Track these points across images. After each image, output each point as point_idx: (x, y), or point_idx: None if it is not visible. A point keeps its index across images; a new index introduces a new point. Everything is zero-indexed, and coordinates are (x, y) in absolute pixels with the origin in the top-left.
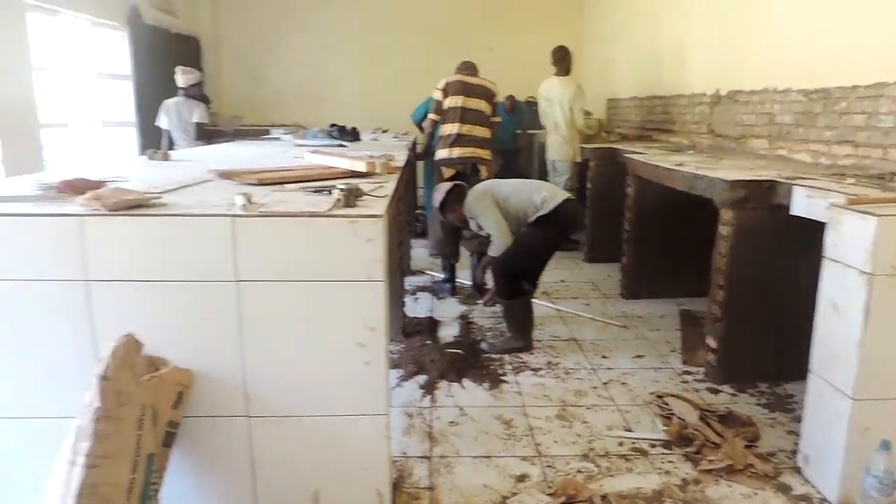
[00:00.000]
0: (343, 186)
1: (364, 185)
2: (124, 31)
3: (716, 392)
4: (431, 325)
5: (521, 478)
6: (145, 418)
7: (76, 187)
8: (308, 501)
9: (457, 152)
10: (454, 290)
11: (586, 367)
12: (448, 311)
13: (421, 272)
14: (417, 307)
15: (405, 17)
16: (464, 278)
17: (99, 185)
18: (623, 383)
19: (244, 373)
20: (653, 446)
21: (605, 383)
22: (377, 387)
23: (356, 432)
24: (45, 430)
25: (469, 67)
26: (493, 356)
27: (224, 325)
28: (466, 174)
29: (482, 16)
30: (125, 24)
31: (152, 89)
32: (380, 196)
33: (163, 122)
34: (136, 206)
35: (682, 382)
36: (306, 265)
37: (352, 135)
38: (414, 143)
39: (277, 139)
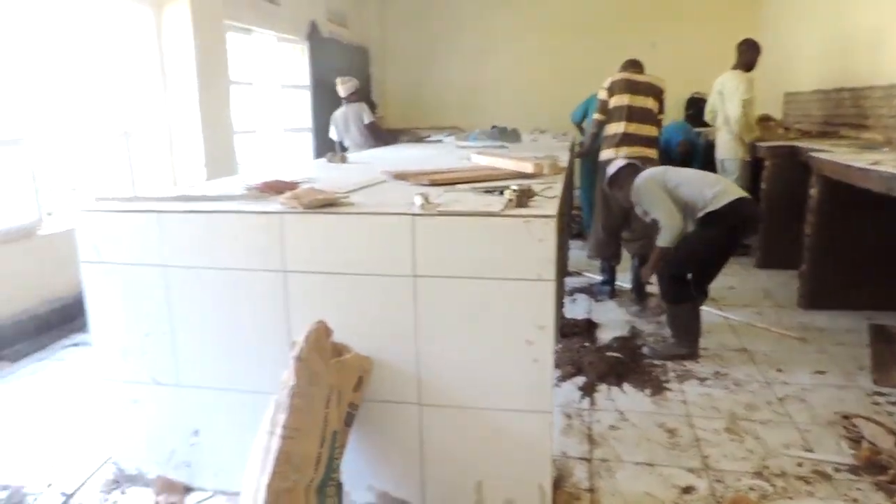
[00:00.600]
0: (516, 187)
1: (533, 185)
2: (304, 45)
3: None
4: (589, 327)
5: (687, 489)
6: (332, 398)
7: (274, 187)
8: (471, 490)
9: (623, 152)
10: (613, 293)
11: (759, 381)
12: (606, 315)
13: (578, 273)
14: (574, 308)
15: (564, 17)
16: (623, 281)
17: (293, 185)
18: (802, 400)
19: (418, 362)
20: (837, 470)
21: (780, 398)
22: (544, 384)
23: (521, 427)
24: (247, 402)
25: (635, 65)
26: (656, 363)
27: (401, 317)
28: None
29: (645, 10)
30: (305, 38)
31: (326, 97)
32: (550, 197)
33: (332, 133)
34: (328, 204)
35: (874, 404)
36: (480, 263)
37: (513, 136)
38: (572, 145)
39: (440, 141)
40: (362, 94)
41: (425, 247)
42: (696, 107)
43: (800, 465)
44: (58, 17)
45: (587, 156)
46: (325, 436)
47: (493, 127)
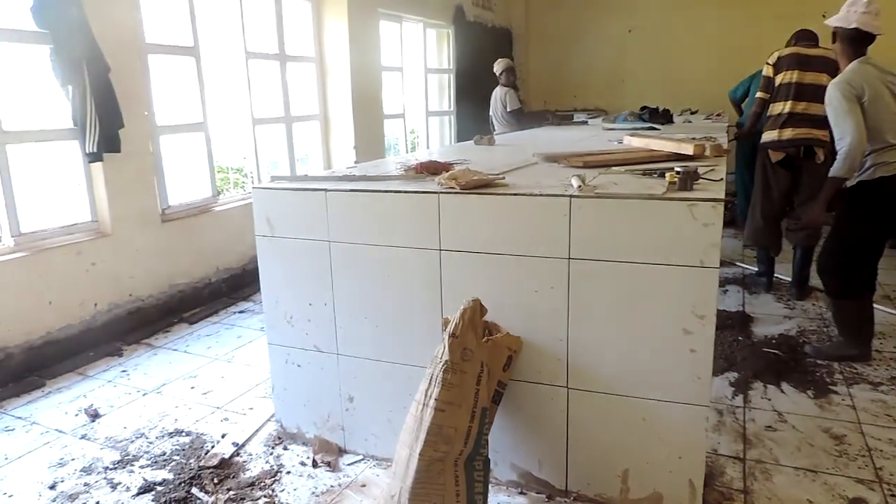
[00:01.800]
0: (680, 169)
1: (693, 166)
2: (450, 29)
3: None
4: (743, 320)
5: (856, 502)
6: (483, 375)
7: (430, 168)
8: (616, 478)
9: (787, 134)
10: (770, 286)
11: None
12: (762, 308)
13: (730, 263)
14: (726, 300)
15: None
16: (782, 273)
17: (448, 166)
18: None
19: (568, 346)
20: None
21: None
22: (701, 377)
23: (673, 419)
24: (398, 373)
25: (807, 37)
26: (819, 362)
27: (554, 299)
28: (799, 158)
29: None
30: (451, 23)
31: (470, 80)
32: (715, 179)
33: (490, 109)
34: (484, 185)
35: None
36: (638, 247)
37: (663, 117)
38: (728, 126)
39: (585, 123)
40: (510, 78)
41: (581, 229)
42: None
43: None
44: (229, 12)
45: (748, 137)
46: (474, 411)
47: (643, 108)
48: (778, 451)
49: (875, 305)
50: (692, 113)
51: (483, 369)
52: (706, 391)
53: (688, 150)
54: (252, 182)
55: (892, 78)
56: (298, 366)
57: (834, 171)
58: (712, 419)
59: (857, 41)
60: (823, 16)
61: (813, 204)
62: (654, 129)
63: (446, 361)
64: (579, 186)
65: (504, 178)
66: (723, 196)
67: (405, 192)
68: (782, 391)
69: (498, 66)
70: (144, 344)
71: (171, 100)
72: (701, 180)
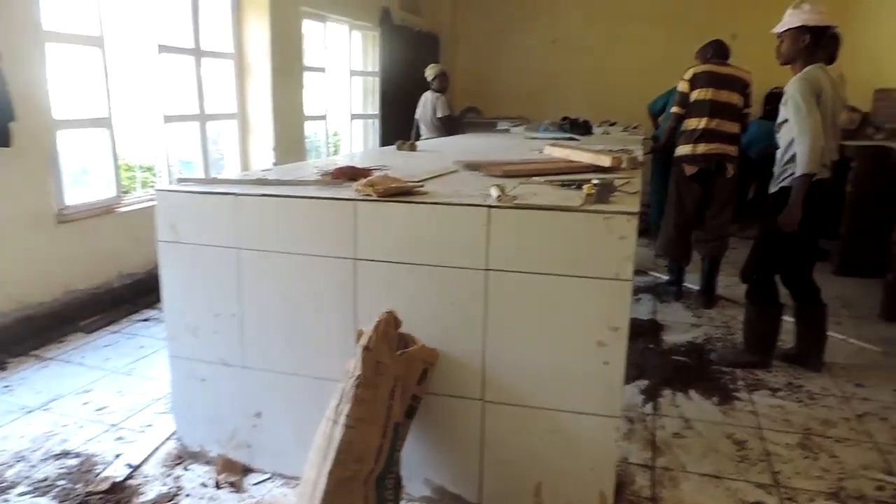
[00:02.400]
0: (597, 181)
1: (613, 180)
2: (376, 32)
3: None
4: (654, 328)
5: None
6: (396, 389)
7: (348, 174)
8: (530, 491)
9: (701, 149)
10: (680, 294)
11: (836, 395)
12: (672, 316)
13: (643, 272)
14: (638, 308)
15: (638, 6)
16: (691, 282)
17: (366, 172)
18: (883, 419)
19: (484, 358)
20: None
21: (859, 416)
22: (613, 388)
23: (585, 431)
24: (309, 387)
25: (720, 53)
26: (724, 370)
27: (471, 310)
28: (711, 172)
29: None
30: (377, 25)
31: (396, 84)
32: (630, 192)
33: (418, 113)
34: (402, 193)
35: None
36: (555, 259)
37: (583, 128)
38: (644, 138)
39: (507, 131)
40: (442, 83)
41: (499, 240)
42: (775, 102)
43: (881, 488)
44: (140, 4)
45: (663, 151)
46: (387, 427)
47: (564, 119)
48: (685, 458)
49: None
50: (611, 125)
51: (396, 383)
52: (618, 403)
53: (605, 162)
54: (163, 182)
55: (836, 89)
56: (202, 380)
57: (801, 167)
58: (623, 428)
59: (812, 42)
60: (733, 36)
61: (724, 212)
62: (574, 139)
63: (359, 376)
64: (498, 196)
65: (423, 185)
66: (637, 209)
67: (320, 198)
68: (689, 398)
69: (430, 72)
70: (33, 356)
71: (72, 93)
72: (617, 193)
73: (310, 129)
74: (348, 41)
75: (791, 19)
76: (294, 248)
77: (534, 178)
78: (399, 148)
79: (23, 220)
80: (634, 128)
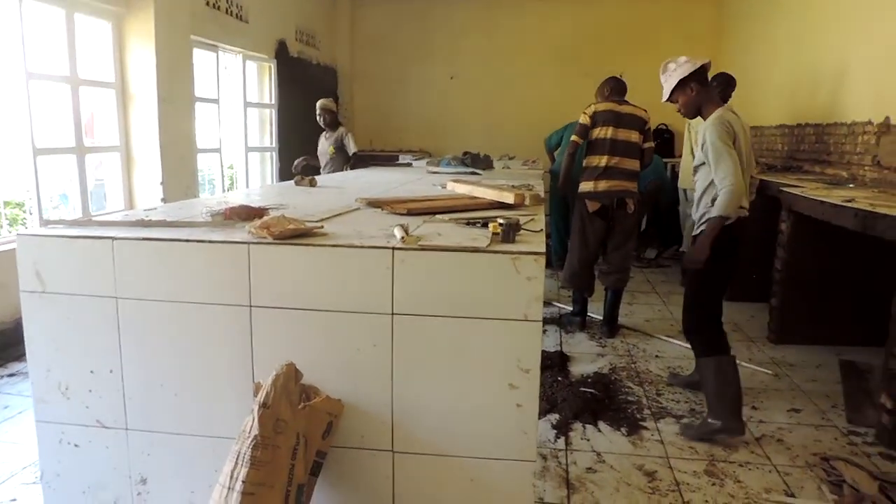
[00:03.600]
0: (503, 221)
1: (517, 217)
2: (272, 63)
3: (893, 459)
4: (561, 360)
5: None
6: (299, 448)
7: (241, 214)
8: None
9: (603, 185)
10: (584, 325)
11: None
12: (578, 347)
13: (548, 303)
14: (545, 340)
15: (533, 45)
16: (594, 312)
17: (261, 212)
18: (779, 440)
19: (393, 407)
20: None
21: (757, 438)
22: (527, 431)
23: (500, 476)
24: (202, 448)
25: (619, 91)
26: (630, 399)
27: (377, 357)
28: (612, 208)
29: (614, 38)
30: (273, 56)
31: (293, 116)
32: (535, 230)
33: (319, 148)
34: (300, 234)
35: (850, 444)
36: (463, 301)
37: (484, 162)
38: (544, 171)
39: (409, 165)
40: (326, 118)
41: (405, 283)
42: (661, 137)
43: None
44: (8, 28)
45: (566, 186)
46: (289, 490)
47: (465, 153)
48: (599, 494)
49: (667, 339)
50: (510, 159)
51: (299, 441)
52: (532, 445)
53: (509, 198)
54: (33, 220)
55: (746, 130)
56: (76, 445)
57: (718, 210)
58: (537, 465)
59: (701, 87)
60: (620, 76)
61: (626, 245)
62: (476, 174)
63: (256, 437)
64: (402, 237)
65: (322, 226)
66: (544, 249)
67: (210, 241)
68: (599, 430)
69: (317, 108)
70: None
71: None
72: (522, 231)
73: (203, 162)
74: (242, 72)
75: (669, 82)
76: (181, 295)
77: (438, 215)
78: (298, 184)
79: None
80: (533, 162)
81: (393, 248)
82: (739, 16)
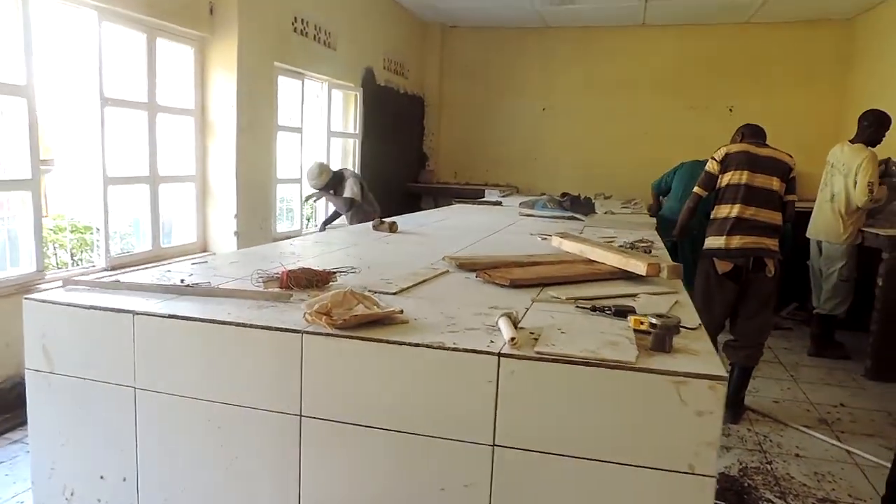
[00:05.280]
0: (657, 321)
1: (648, 295)
2: (357, 92)
3: None
4: None
5: None
6: None
7: (300, 280)
8: None
9: (736, 242)
10: None
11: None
12: None
13: None
14: None
15: (632, 77)
16: None
17: (326, 277)
18: None
19: None
20: None
21: None
22: None
23: None
24: None
25: (756, 134)
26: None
27: (470, 502)
28: (746, 270)
29: (722, 69)
30: (359, 85)
31: (376, 147)
32: (692, 327)
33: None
34: (371, 322)
35: None
36: (596, 437)
37: (585, 207)
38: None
39: (498, 204)
40: (326, 182)
41: (513, 403)
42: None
43: None
44: (86, 51)
45: (684, 237)
46: None
47: (564, 195)
48: None
49: (804, 429)
50: (606, 198)
51: None
52: None
53: (638, 268)
54: (101, 251)
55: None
56: None
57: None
58: None
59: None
60: (730, 110)
61: (762, 314)
62: (577, 219)
63: None
64: (512, 339)
65: (401, 310)
66: (722, 370)
67: (251, 325)
68: None
69: (311, 177)
70: None
71: None
72: (682, 331)
73: (284, 192)
74: (328, 100)
75: None
76: (214, 392)
77: (548, 289)
78: (376, 227)
79: None
80: (634, 203)
81: (499, 355)
82: (875, 39)
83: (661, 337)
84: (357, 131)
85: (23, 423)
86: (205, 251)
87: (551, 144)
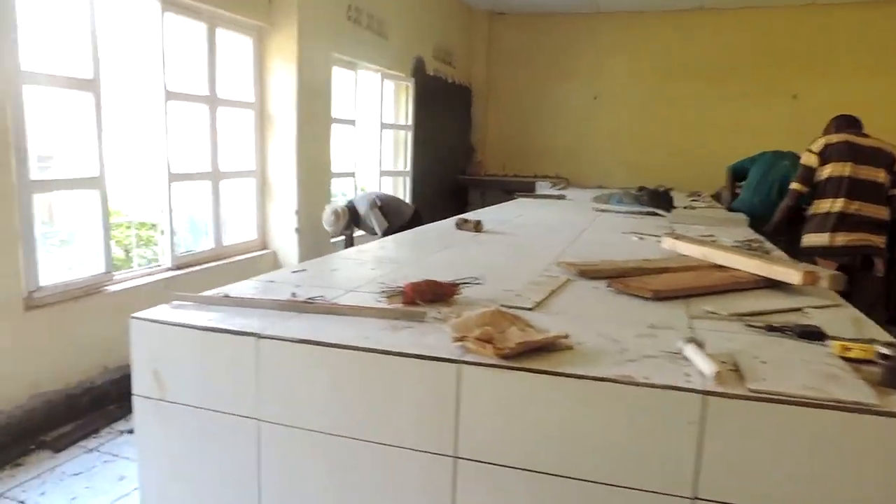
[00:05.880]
0: (888, 351)
1: (814, 309)
2: (409, 82)
3: None
4: None
5: None
6: None
7: (426, 294)
8: None
9: (841, 239)
10: None
11: None
12: None
13: None
14: None
15: (687, 64)
16: None
17: (452, 290)
18: None
19: None
20: None
21: None
22: None
23: None
24: None
25: (853, 124)
26: None
27: None
28: (854, 268)
29: (782, 55)
30: (410, 75)
31: (426, 139)
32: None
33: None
34: (537, 349)
35: None
36: (819, 493)
37: (666, 201)
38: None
39: (562, 197)
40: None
41: (718, 450)
42: None
43: None
44: (148, 43)
45: (779, 235)
46: None
47: (641, 188)
48: None
49: None
50: (669, 190)
51: None
52: None
53: (791, 277)
54: (165, 247)
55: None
56: None
57: None
58: None
59: None
60: (794, 96)
61: (870, 318)
62: (658, 214)
63: None
64: (717, 374)
65: (567, 334)
66: None
67: (401, 354)
68: None
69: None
70: None
71: (55, 146)
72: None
73: (336, 187)
74: (380, 91)
75: None
76: (351, 428)
77: (693, 299)
78: (461, 227)
79: None
80: (698, 195)
81: (705, 393)
82: None
83: (892, 369)
84: (409, 122)
85: (97, 430)
86: (265, 249)
87: (601, 134)
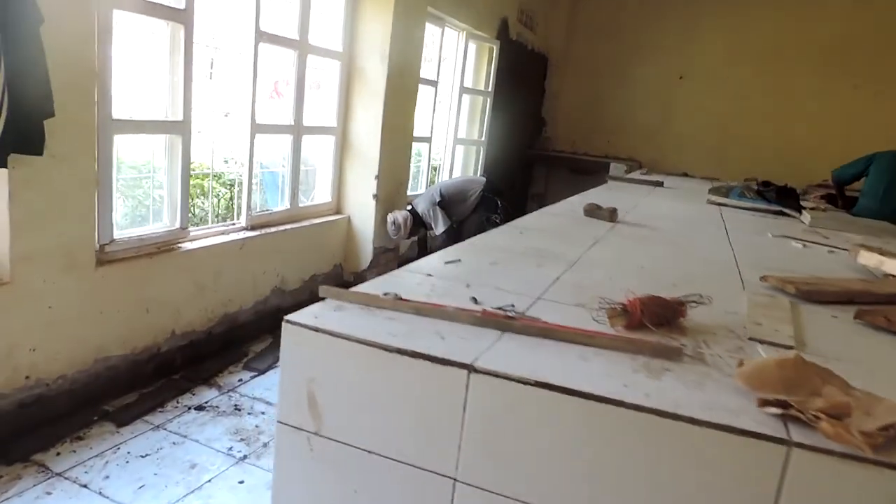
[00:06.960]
0: None
1: None
2: (494, 45)
3: None
4: None
5: None
6: None
7: (654, 314)
8: None
9: None
10: None
11: None
12: None
13: None
14: None
15: (785, 45)
16: None
17: (680, 309)
18: None
19: None
20: None
21: None
22: None
23: None
24: None
25: None
26: None
27: None
28: None
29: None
30: (495, 37)
31: (503, 107)
32: None
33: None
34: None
35: None
36: None
37: (794, 200)
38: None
39: (660, 184)
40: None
41: None
42: None
43: None
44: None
45: None
46: None
47: (766, 183)
48: None
49: None
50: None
51: None
52: None
53: None
54: (242, 206)
55: None
56: None
57: None
58: None
59: None
60: None
61: None
62: (785, 214)
63: None
64: None
65: None
66: None
67: (690, 421)
68: None
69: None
70: (36, 464)
71: (138, 83)
72: None
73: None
74: (463, 52)
75: None
76: (578, 501)
77: None
78: (592, 214)
79: (51, 259)
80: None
81: None
82: None
83: None
84: (490, 88)
85: (162, 403)
86: (339, 214)
87: (684, 118)
